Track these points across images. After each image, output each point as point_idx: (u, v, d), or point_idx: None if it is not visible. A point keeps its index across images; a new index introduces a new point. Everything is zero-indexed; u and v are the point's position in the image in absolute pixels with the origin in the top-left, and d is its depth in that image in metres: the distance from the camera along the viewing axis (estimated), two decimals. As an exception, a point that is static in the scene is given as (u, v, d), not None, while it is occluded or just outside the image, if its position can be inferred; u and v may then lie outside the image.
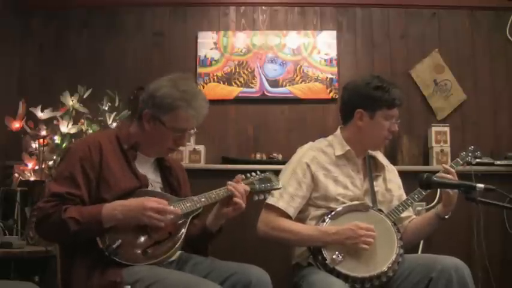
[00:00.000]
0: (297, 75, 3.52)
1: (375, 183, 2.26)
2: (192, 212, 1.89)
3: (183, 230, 1.88)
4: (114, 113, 3.04)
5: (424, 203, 3.11)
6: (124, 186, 1.82)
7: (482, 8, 3.59)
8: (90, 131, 2.93)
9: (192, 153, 3.36)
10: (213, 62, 3.52)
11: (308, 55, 3.53)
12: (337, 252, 2.03)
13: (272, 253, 2.72)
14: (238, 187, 1.90)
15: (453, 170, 2.14)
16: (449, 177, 2.10)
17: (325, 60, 3.53)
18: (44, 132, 2.88)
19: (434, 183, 1.92)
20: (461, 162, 2.30)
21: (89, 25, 3.60)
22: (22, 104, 2.99)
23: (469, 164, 2.34)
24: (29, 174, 2.89)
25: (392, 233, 2.11)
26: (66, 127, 2.91)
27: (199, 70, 3.51)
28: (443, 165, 2.20)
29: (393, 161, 2.91)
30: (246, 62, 3.53)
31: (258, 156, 3.37)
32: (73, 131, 2.92)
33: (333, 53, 3.53)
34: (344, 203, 2.15)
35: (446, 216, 2.17)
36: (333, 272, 2.00)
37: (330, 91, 3.50)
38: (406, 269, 2.04)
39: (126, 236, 1.75)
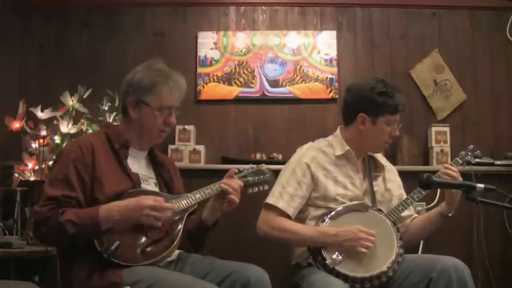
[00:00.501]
0: (297, 75, 3.52)
1: (374, 183, 2.26)
2: (188, 208, 1.91)
3: (180, 228, 1.88)
4: (114, 113, 3.04)
5: (424, 203, 3.11)
6: (116, 186, 1.82)
7: (482, 8, 3.59)
8: (90, 131, 2.93)
9: (192, 153, 3.37)
10: (213, 62, 3.52)
11: (308, 55, 3.53)
12: (337, 253, 2.03)
13: (272, 253, 2.72)
14: (232, 183, 1.93)
15: (456, 169, 2.14)
16: (453, 175, 2.10)
17: (325, 60, 3.52)
18: (44, 132, 2.87)
19: (434, 183, 1.91)
20: (460, 162, 2.31)
21: (89, 25, 3.60)
22: (22, 104, 2.98)
23: (469, 163, 2.34)
24: (29, 174, 2.89)
25: (392, 232, 2.11)
26: (66, 127, 2.92)
27: (199, 70, 3.51)
28: (445, 165, 2.19)
29: (393, 161, 2.91)
30: (246, 62, 3.53)
31: (258, 156, 3.37)
32: (73, 131, 2.92)
33: (333, 53, 3.53)
34: (343, 203, 2.15)
35: (450, 214, 2.17)
36: (332, 272, 2.00)
37: (330, 91, 3.50)
38: (406, 269, 2.03)
39: (124, 236, 1.75)
